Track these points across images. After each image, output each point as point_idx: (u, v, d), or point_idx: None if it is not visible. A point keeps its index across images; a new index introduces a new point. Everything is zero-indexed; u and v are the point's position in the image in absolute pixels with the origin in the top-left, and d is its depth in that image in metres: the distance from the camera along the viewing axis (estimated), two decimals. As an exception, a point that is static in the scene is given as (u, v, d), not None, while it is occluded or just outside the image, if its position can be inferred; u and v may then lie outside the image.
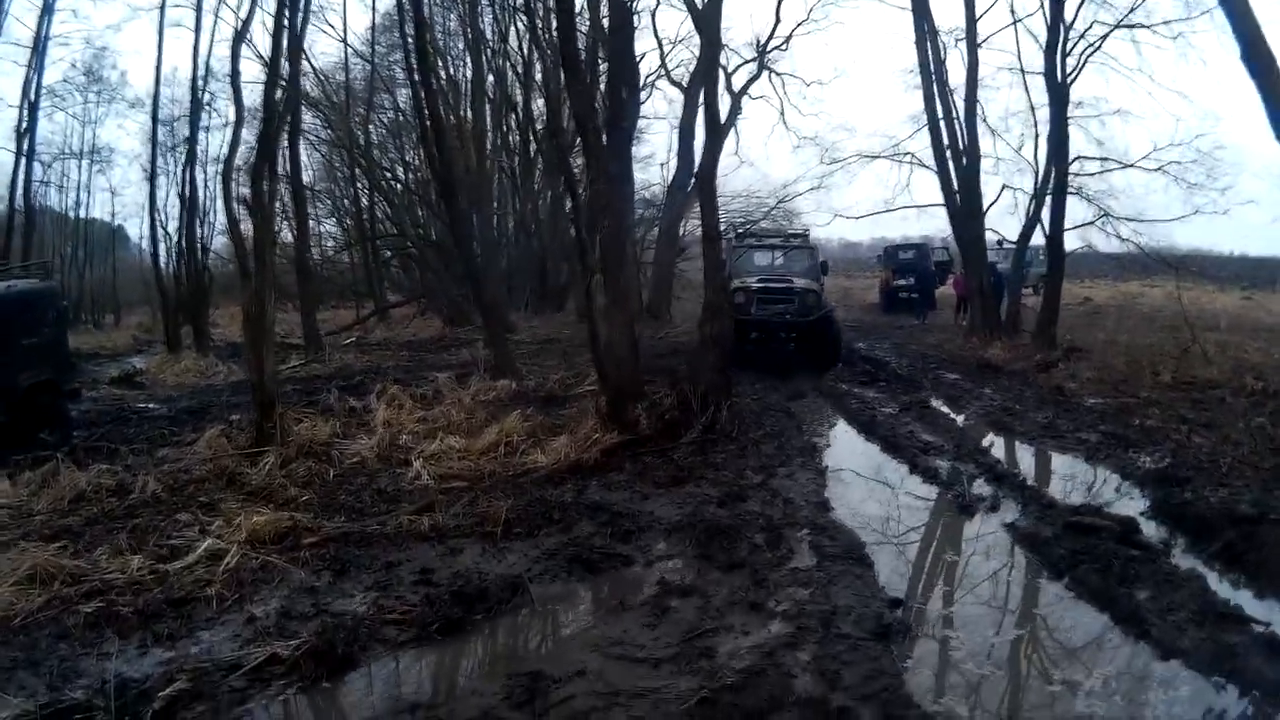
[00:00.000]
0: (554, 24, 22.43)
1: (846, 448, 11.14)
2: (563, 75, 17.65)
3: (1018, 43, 31.59)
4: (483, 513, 7.15)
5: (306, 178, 34.22)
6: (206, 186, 25.99)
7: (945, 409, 13.73)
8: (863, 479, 9.58)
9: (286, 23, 14.34)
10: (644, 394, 10.93)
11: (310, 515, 7.08)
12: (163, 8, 23.56)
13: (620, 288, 11.32)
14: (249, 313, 10.09)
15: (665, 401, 10.72)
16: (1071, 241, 22.61)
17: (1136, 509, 8.15)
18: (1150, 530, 7.52)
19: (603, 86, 22.04)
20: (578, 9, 24.28)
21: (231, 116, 17.74)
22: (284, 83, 13.99)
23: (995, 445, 11.34)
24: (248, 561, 6.00)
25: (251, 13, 15.10)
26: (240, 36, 15.84)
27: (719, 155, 15.53)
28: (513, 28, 30.15)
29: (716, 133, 14.87)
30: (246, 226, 11.65)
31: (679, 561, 6.38)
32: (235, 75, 16.15)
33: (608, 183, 11.58)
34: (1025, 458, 10.78)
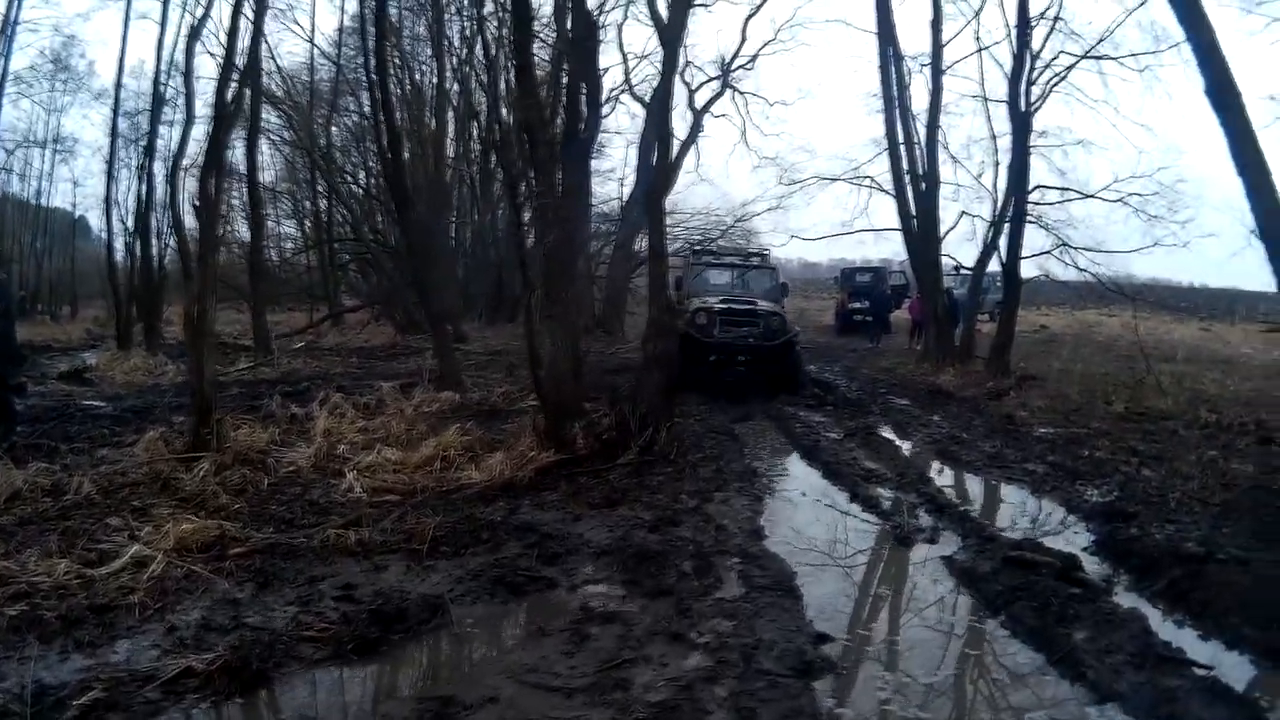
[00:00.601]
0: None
1: (787, 473, 11.10)
2: (515, 86, 17.70)
3: (981, 71, 31.70)
4: (411, 529, 7.10)
5: (269, 177, 34.14)
6: (166, 182, 25.91)
7: (892, 435, 13.74)
8: (800, 506, 9.51)
9: (246, 23, 14.27)
10: (584, 412, 10.89)
11: (239, 525, 7.02)
12: (129, -2, 23.54)
13: (564, 303, 11.26)
14: (189, 315, 10.05)
15: (604, 421, 10.66)
16: (1029, 270, 22.89)
17: (1080, 544, 8.13)
18: (1093, 567, 7.45)
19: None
20: (546, 20, 24.44)
21: (195, 113, 17.82)
22: (236, 82, 13.90)
23: (940, 474, 11.28)
24: (173, 570, 5.95)
25: (207, 12, 15.11)
26: (195, 35, 15.86)
27: (669, 173, 15.63)
28: (480, 37, 29.88)
29: (666, 150, 15.12)
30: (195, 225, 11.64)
31: (604, 587, 6.32)
32: (189, 74, 16.19)
33: (554, 196, 11.53)
34: (969, 488, 10.73)
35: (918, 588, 7.14)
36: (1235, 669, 5.50)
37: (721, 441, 12.31)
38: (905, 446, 13.04)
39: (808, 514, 9.24)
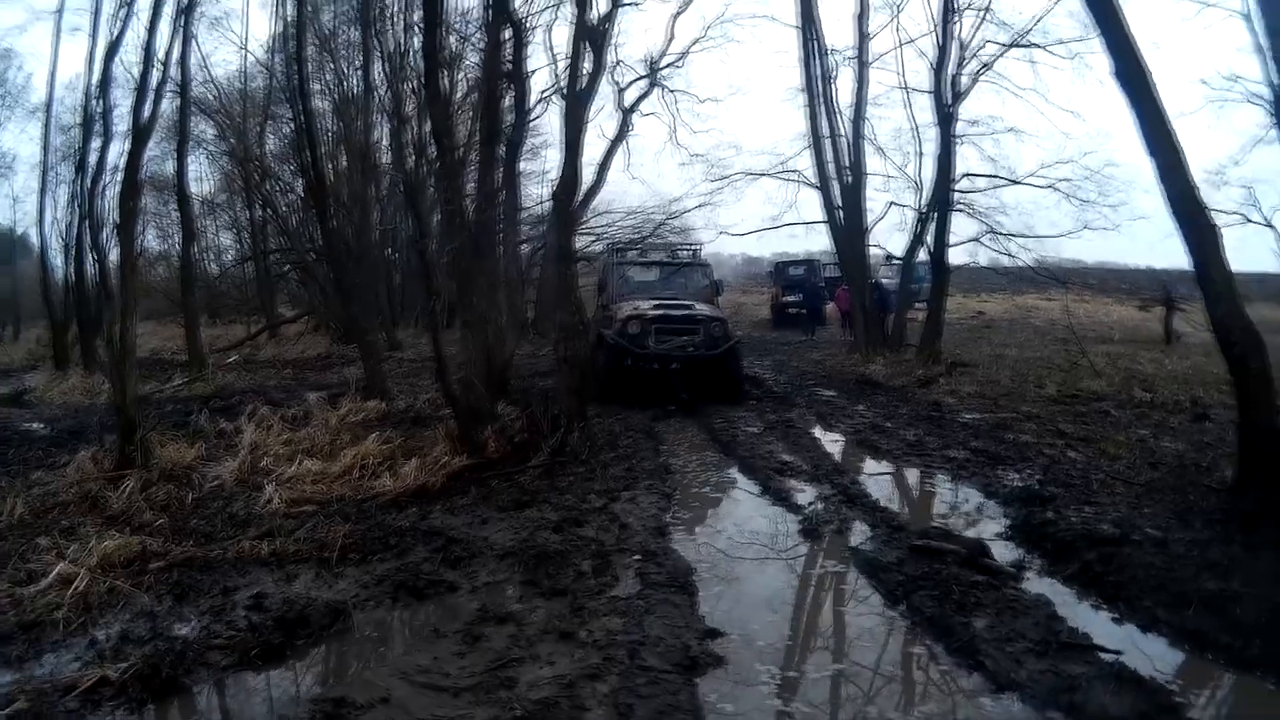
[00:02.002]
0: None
1: (701, 469, 11.15)
2: (424, 93, 17.76)
3: (900, 63, 32.30)
4: (323, 538, 7.33)
5: (206, 189, 34.00)
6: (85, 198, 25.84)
7: (813, 427, 13.85)
8: (710, 502, 9.65)
9: (164, 39, 14.33)
10: (496, 416, 11.06)
11: (161, 540, 7.21)
12: (60, 11, 23.49)
13: (474, 308, 11.48)
14: (111, 335, 10.25)
15: (516, 424, 10.85)
16: (960, 257, 23.35)
17: (993, 530, 8.16)
18: (1003, 553, 7.42)
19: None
20: (478, 24, 24.54)
21: (113, 131, 17.88)
22: (153, 98, 14.00)
23: (856, 465, 11.39)
24: (96, 586, 6.14)
25: (123, 31, 15.15)
26: (111, 54, 15.91)
27: (577, 172, 15.60)
28: (409, 45, 29.97)
29: (575, 152, 15.11)
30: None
31: (503, 588, 6.53)
32: (105, 95, 16.23)
33: (460, 202, 11.74)
34: (884, 478, 10.79)
35: (819, 580, 7.23)
36: (1146, 653, 5.52)
37: (637, 439, 12.44)
38: (826, 438, 13.13)
39: (716, 510, 9.37)
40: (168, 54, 15.41)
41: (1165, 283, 28.45)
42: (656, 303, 16.57)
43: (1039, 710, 4.78)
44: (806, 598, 6.94)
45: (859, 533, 8.16)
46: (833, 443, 12.95)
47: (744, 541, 8.21)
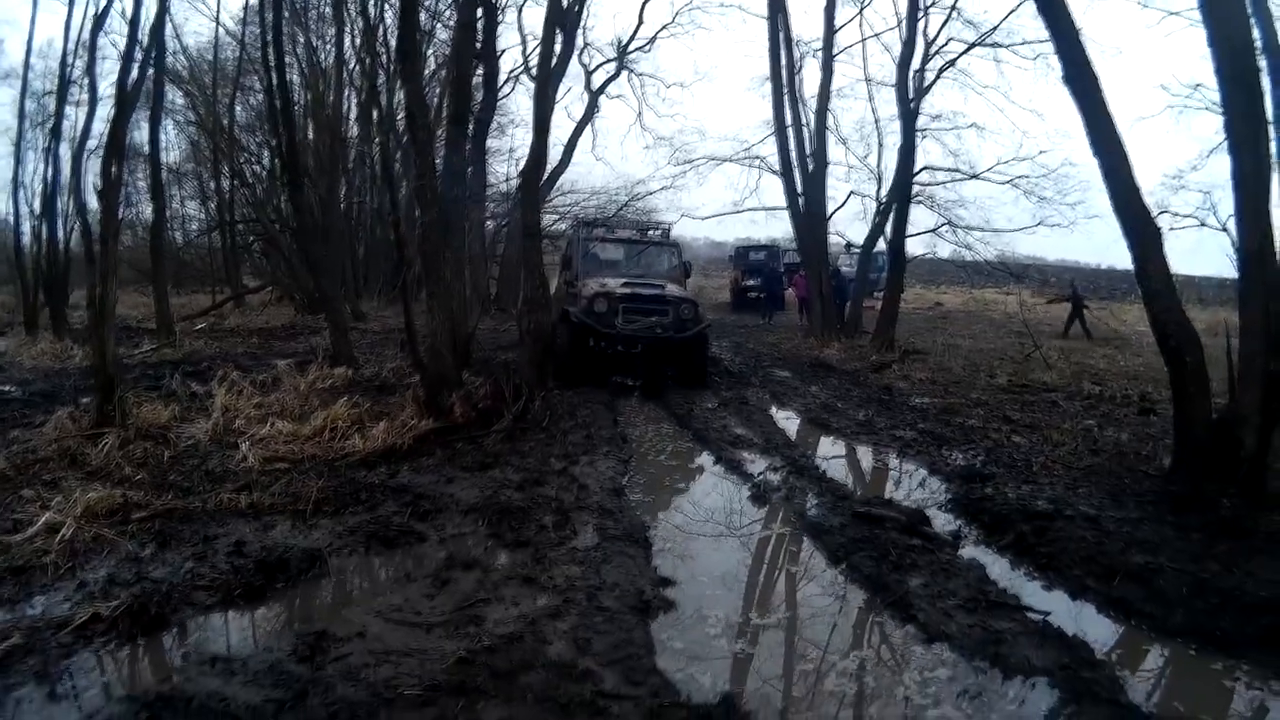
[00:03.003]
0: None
1: (657, 439, 11.57)
2: (400, 71, 18.04)
3: (864, 57, 32.94)
4: (297, 492, 7.67)
5: (174, 158, 33.94)
6: (71, 165, 25.69)
7: (767, 405, 14.24)
8: (664, 469, 10.08)
9: (148, 9, 14.48)
10: (461, 383, 11.36)
11: (142, 493, 7.47)
12: (39, -22, 23.52)
13: (441, 280, 11.75)
14: (92, 297, 10.44)
15: (480, 391, 11.18)
16: (920, 248, 23.85)
17: (933, 503, 8.59)
18: (942, 523, 7.86)
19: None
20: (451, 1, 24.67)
21: (99, 98, 17.99)
22: (138, 67, 14.15)
23: (806, 440, 11.85)
24: (82, 534, 6.39)
25: (108, 6, 15.37)
26: (99, 25, 16.09)
27: (545, 152, 15.76)
28: (381, 19, 29.96)
29: (543, 132, 15.27)
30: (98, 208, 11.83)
31: (470, 540, 6.90)
32: (91, 64, 16.41)
33: (432, 178, 12.01)
34: (833, 452, 11.23)
35: (766, 540, 7.70)
36: (1072, 616, 5.88)
37: (596, 410, 12.78)
38: (779, 415, 13.56)
39: (670, 476, 9.85)
40: (157, 20, 15.55)
41: (1072, 280, 29.08)
42: (625, 281, 15.98)
43: (967, 659, 5.14)
44: (754, 555, 7.37)
45: (806, 499, 8.62)
46: (785, 420, 13.34)
47: (697, 504, 8.75)
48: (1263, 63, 8.40)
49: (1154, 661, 5.49)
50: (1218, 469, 7.89)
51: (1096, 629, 5.73)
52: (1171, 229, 15.60)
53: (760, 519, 8.30)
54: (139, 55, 13.83)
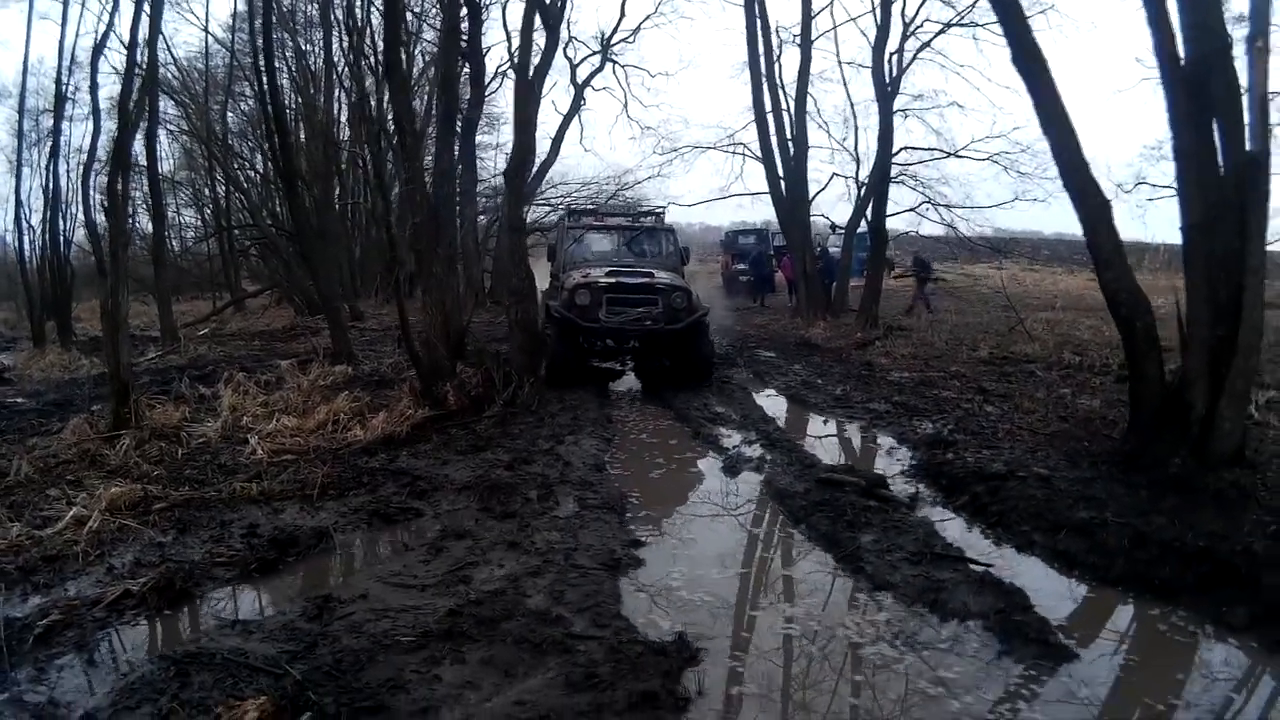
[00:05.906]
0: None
1: (638, 418, 12.18)
2: (386, 81, 18.33)
3: (836, 42, 33.23)
4: (304, 479, 8.25)
5: (167, 167, 34.30)
6: (69, 179, 26.19)
7: (749, 384, 14.71)
8: (644, 446, 10.64)
9: (144, 25, 14.89)
10: (455, 373, 11.86)
11: (160, 487, 7.98)
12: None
13: (434, 276, 12.30)
14: (105, 308, 10.90)
15: (472, 380, 11.68)
16: (903, 226, 24.24)
17: (896, 469, 9.14)
18: (902, 487, 8.36)
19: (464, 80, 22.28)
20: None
21: (101, 121, 18.47)
22: (139, 87, 14.57)
23: (782, 416, 12.39)
24: (107, 525, 6.90)
25: (109, 29, 15.86)
26: (98, 50, 16.62)
27: (529, 149, 15.99)
28: (368, 23, 30.06)
29: (527, 127, 15.38)
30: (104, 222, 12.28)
31: (462, 514, 7.43)
32: (94, 87, 16.93)
33: (421, 181, 12.55)
34: (807, 426, 11.84)
35: (734, 505, 8.30)
36: (1015, 567, 6.34)
37: (583, 394, 13.23)
38: (759, 393, 14.06)
39: (650, 452, 10.40)
40: (150, 37, 15.96)
41: (916, 252, 29.30)
42: (610, 269, 14.63)
43: (907, 605, 5.64)
44: (720, 518, 8.01)
45: (774, 469, 9.23)
46: (765, 397, 13.85)
47: (672, 475, 9.44)
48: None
49: (1090, 608, 5.84)
50: (1170, 430, 8.14)
51: (1037, 579, 6.14)
52: (1150, 200, 15.99)
53: (731, 487, 8.87)
54: (139, 75, 14.27)
